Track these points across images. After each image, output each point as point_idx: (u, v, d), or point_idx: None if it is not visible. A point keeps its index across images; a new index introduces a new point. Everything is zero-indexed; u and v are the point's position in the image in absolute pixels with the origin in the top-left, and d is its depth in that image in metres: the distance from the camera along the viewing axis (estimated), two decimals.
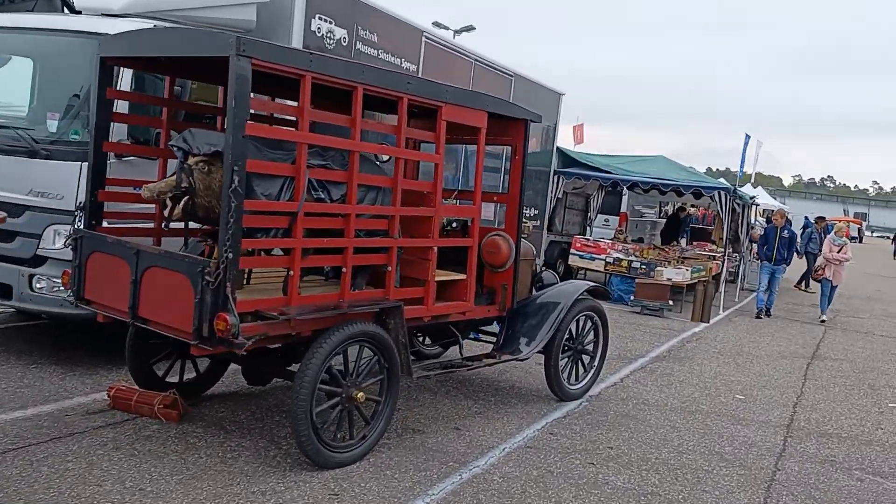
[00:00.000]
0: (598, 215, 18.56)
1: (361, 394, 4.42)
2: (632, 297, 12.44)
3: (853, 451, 6.11)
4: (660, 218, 21.41)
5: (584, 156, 14.93)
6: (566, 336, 6.35)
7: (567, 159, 14.90)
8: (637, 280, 12.54)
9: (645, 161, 15.29)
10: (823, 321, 13.31)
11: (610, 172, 14.44)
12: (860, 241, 65.90)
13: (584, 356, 6.64)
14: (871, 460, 5.94)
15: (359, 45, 7.57)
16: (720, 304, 13.70)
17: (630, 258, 13.30)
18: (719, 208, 13.58)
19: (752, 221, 19.35)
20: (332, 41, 7.19)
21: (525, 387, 6.81)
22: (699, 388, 7.63)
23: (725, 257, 14.02)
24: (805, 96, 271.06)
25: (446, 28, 35.11)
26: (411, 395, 6.11)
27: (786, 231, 13.22)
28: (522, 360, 6.03)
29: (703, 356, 9.32)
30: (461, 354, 5.72)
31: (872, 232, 74.40)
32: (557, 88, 12.64)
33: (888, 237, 57.29)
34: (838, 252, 13.32)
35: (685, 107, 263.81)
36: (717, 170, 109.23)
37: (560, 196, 14.73)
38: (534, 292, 6.57)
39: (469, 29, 35.76)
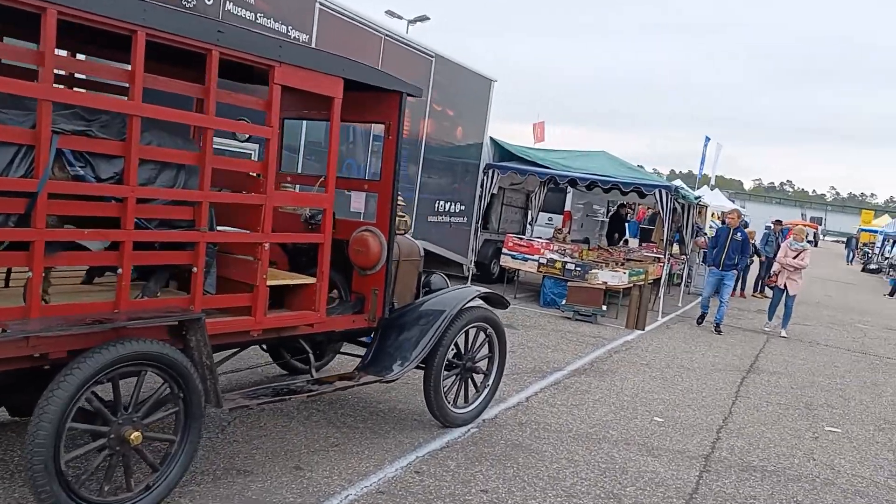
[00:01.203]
0: (541, 213, 17.75)
1: (137, 434, 3.39)
2: (563, 302, 11.56)
3: (777, 489, 5.25)
4: (607, 217, 20.62)
5: (520, 149, 14.02)
6: (451, 351, 5.40)
7: (503, 152, 14.00)
8: (569, 283, 11.66)
9: (586, 156, 14.42)
10: (784, 337, 12.12)
11: (548, 168, 13.56)
12: (815, 245, 66.42)
13: (475, 374, 5.69)
14: (797, 503, 5.08)
15: (229, 6, 6.52)
16: (659, 309, 12.90)
17: (564, 259, 12.42)
18: (660, 208, 12.77)
19: (701, 225, 18.69)
20: None
21: (409, 409, 5.84)
22: (614, 408, 6.74)
23: (666, 259, 13.17)
24: (769, 103, 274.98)
25: (399, 17, 34.21)
26: (258, 421, 5.09)
27: (739, 233, 11.91)
28: (389, 381, 5.05)
29: (628, 369, 8.45)
30: (312, 374, 4.71)
31: (825, 236, 75.08)
32: (488, 74, 11.71)
33: (843, 241, 57.64)
34: (794, 258, 12.01)
35: (650, 110, 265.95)
36: (681, 172, 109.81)
37: (495, 192, 13.83)
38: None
39: (423, 19, 34.80)
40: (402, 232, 5.19)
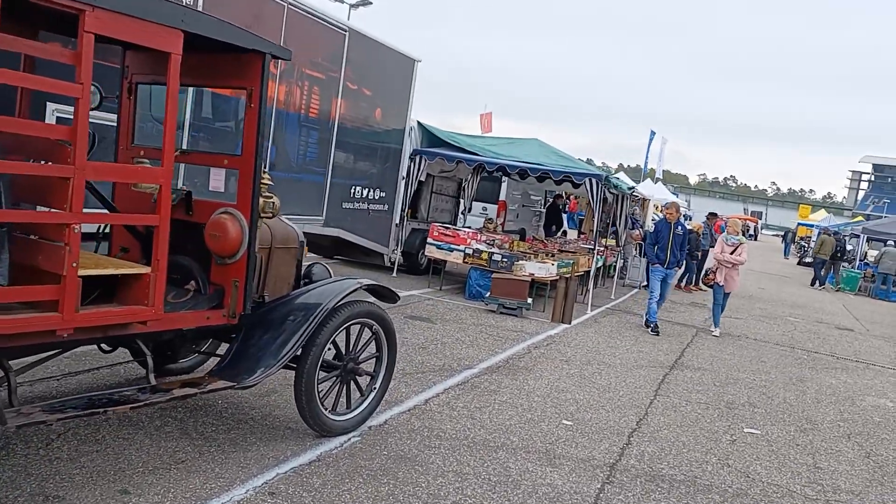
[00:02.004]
0: (476, 203, 17.24)
1: None
2: (487, 295, 11.04)
3: (684, 502, 4.79)
4: (544, 208, 20.22)
5: (449, 135, 13.47)
6: (329, 351, 4.79)
7: (432, 138, 13.41)
8: (494, 275, 11.14)
9: (517, 143, 13.94)
10: (717, 336, 11.48)
11: (476, 154, 13.02)
12: (755, 239, 67.53)
13: (358, 377, 5.08)
14: None
15: None
16: (588, 302, 12.49)
17: (491, 250, 11.90)
18: (590, 197, 12.35)
19: (638, 217, 18.42)
20: None
21: (286, 416, 5.19)
22: (522, 410, 6.22)
23: (595, 250, 12.75)
24: (715, 101, 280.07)
25: (341, 1, 33.32)
26: (95, 433, 4.41)
27: (679, 228, 11.22)
28: (244, 388, 4.41)
29: (545, 366, 7.95)
30: (149, 380, 4.04)
31: (762, 229, 76.61)
32: (411, 53, 11.07)
33: (781, 235, 58.69)
34: (732, 252, 11.33)
35: (599, 105, 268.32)
36: (629, 166, 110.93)
37: (423, 179, 13.24)
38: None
39: (366, 3, 33.95)
40: (270, 215, 4.54)
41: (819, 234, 30.49)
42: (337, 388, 4.96)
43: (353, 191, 10.05)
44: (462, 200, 15.96)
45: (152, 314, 3.83)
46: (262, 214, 4.48)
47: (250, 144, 4.34)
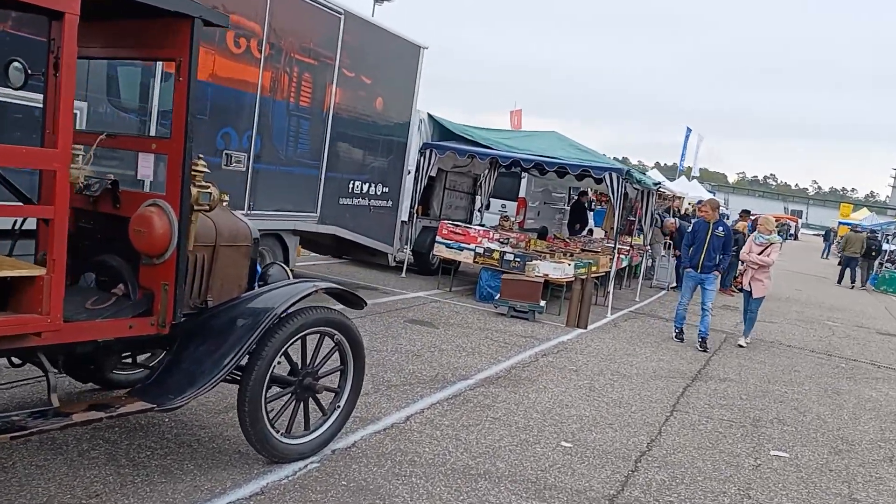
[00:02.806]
0: (493, 200, 16.56)
1: None
2: (497, 297, 10.35)
3: None
4: (568, 206, 19.41)
5: (461, 128, 12.80)
6: (279, 364, 4.16)
7: (443, 131, 12.76)
8: (504, 276, 10.44)
9: (534, 137, 13.21)
10: (741, 346, 10.29)
11: (490, 148, 12.33)
12: (795, 239, 65.66)
13: (318, 394, 4.45)
14: None
15: None
16: (608, 304, 11.72)
17: (503, 249, 11.20)
18: (610, 193, 11.58)
19: (664, 213, 17.58)
20: None
21: (238, 438, 4.55)
22: (516, 429, 5.53)
23: (615, 250, 11.97)
24: (753, 96, 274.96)
25: None
26: (6, 459, 3.83)
27: (721, 228, 9.80)
28: (168, 411, 3.79)
29: (551, 376, 7.25)
30: (51, 402, 3.44)
31: (801, 229, 74.54)
32: (416, 40, 10.42)
33: (822, 235, 56.87)
34: (760, 253, 10.05)
35: (634, 103, 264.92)
36: (665, 164, 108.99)
37: (433, 174, 12.60)
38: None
39: None
40: (207, 208, 3.92)
41: (856, 231, 29.14)
42: (293, 406, 4.34)
43: (351, 186, 9.43)
44: (479, 197, 15.28)
45: (47, 324, 3.23)
46: (197, 206, 3.86)
47: (179, 124, 3.73)
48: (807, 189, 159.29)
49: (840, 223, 50.68)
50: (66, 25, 3.12)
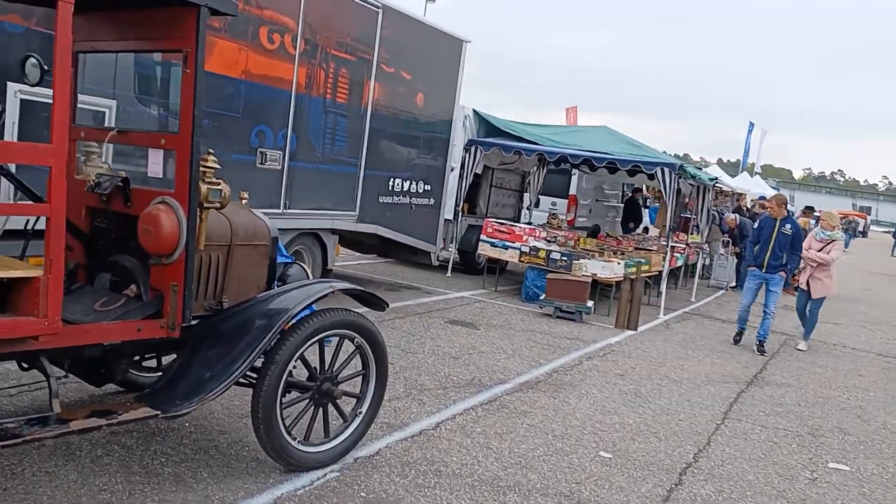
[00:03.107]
0: (543, 197, 16.19)
1: None
2: (542, 297, 10.03)
3: None
4: (621, 203, 18.89)
5: (507, 123, 12.54)
6: (294, 368, 3.98)
7: (489, 127, 12.51)
8: (549, 275, 10.12)
9: (583, 132, 12.86)
10: (802, 350, 9.69)
11: (537, 143, 12.02)
12: (864, 236, 63.15)
13: (338, 400, 4.25)
14: None
15: None
16: (661, 304, 11.28)
17: (550, 248, 10.88)
18: (663, 188, 11.14)
19: (719, 209, 16.97)
20: None
21: (257, 444, 4.41)
22: (553, 437, 5.24)
23: (668, 248, 11.51)
24: (820, 91, 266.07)
25: None
26: (17, 464, 3.73)
27: (788, 225, 9.15)
28: (174, 417, 3.63)
29: (595, 381, 6.93)
30: (52, 407, 3.31)
31: (871, 225, 71.63)
32: (458, 34, 10.18)
33: (892, 232, 54.51)
34: (820, 250, 9.46)
35: (697, 98, 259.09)
36: (728, 160, 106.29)
37: (479, 171, 12.35)
38: None
39: None
40: (218, 205, 3.75)
41: None
42: (311, 412, 4.15)
43: (391, 183, 9.25)
44: (527, 195, 14.95)
45: (45, 328, 3.10)
46: (207, 204, 3.70)
47: (187, 119, 3.57)
48: (877, 185, 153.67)
49: None
50: (59, 15, 2.98)
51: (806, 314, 9.83)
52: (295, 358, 3.91)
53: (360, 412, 4.35)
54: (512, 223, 11.49)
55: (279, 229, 7.64)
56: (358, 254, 11.88)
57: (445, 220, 11.93)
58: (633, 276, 10.07)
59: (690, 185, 12.50)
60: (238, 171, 6.97)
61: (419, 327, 8.11)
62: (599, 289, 10.79)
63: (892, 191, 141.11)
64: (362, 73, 8.34)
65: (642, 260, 11.45)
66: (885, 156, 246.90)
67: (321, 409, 4.18)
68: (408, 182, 9.57)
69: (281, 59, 7.18)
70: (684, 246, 14.61)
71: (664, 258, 11.51)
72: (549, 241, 11.44)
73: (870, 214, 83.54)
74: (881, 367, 9.39)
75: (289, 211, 7.58)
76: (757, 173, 35.56)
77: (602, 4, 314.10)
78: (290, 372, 3.91)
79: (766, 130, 39.86)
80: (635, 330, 9.66)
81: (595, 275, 10.27)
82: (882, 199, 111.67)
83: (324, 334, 4.03)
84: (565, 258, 10.47)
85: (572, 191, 16.42)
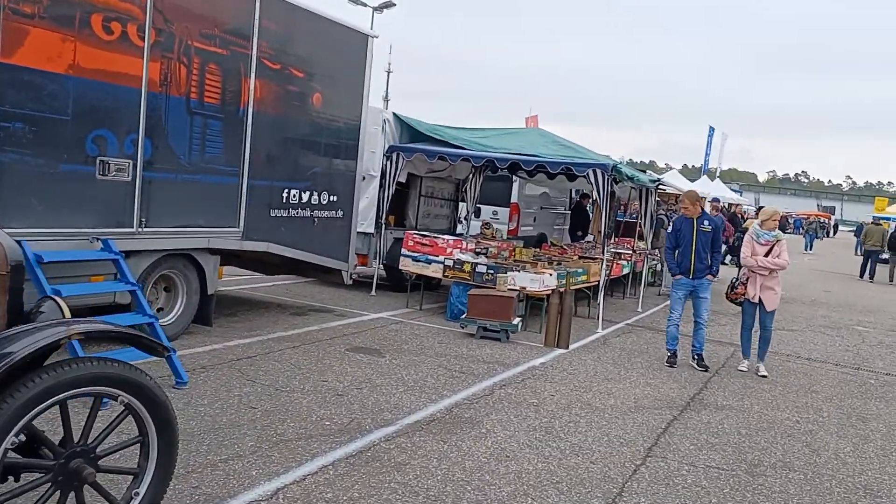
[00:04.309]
0: (484, 207, 15.27)
1: None
2: (463, 316, 9.03)
3: None
4: (568, 210, 18.02)
5: (431, 128, 11.57)
6: (19, 442, 2.92)
7: (412, 133, 11.53)
8: (470, 291, 9.12)
9: (513, 134, 11.93)
10: (763, 375, 8.22)
11: (462, 148, 11.05)
12: (828, 236, 63.12)
13: (94, 480, 3.17)
14: None
15: None
16: (599, 317, 10.33)
17: (476, 261, 9.90)
18: (596, 192, 10.23)
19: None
20: None
21: None
22: (424, 499, 4.21)
23: (603, 257, 10.58)
24: (780, 93, 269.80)
25: (364, 4, 31.81)
26: None
27: (706, 222, 8.34)
28: None
29: (502, 415, 5.92)
30: None
31: (837, 225, 71.96)
32: (362, 28, 9.20)
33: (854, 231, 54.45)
34: (766, 254, 8.18)
35: (660, 105, 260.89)
36: (693, 166, 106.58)
37: (402, 180, 11.36)
38: None
39: (388, 5, 32.37)
40: None
41: (877, 223, 27.29)
42: (59, 500, 3.08)
43: (286, 195, 8.20)
44: (464, 204, 13.99)
45: None
46: None
47: None
48: (841, 185, 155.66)
49: (873, 217, 48.45)
50: None
51: (751, 334, 8.52)
52: (17, 430, 2.85)
53: (138, 493, 3.29)
54: (435, 235, 10.49)
55: (133, 251, 6.65)
56: (256, 274, 10.75)
57: (365, 233, 10.96)
58: (561, 289, 9.10)
59: (633, 187, 11.62)
60: (71, 185, 5.91)
61: (310, 358, 7.06)
62: (530, 304, 9.83)
63: (855, 190, 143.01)
64: (238, 69, 7.30)
65: (579, 270, 10.53)
66: (848, 156, 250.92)
67: (72, 495, 3.11)
68: (307, 193, 8.53)
69: (124, 51, 6.12)
70: (631, 252, 13.76)
71: (603, 267, 10.56)
72: (477, 254, 10.48)
73: (834, 214, 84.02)
74: (838, 379, 8.50)
75: (146, 230, 6.51)
76: (716, 176, 35.07)
77: (562, 14, 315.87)
78: (7, 451, 2.84)
79: (726, 134, 39.58)
80: (566, 348, 8.69)
81: (524, 288, 9.31)
82: (846, 199, 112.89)
83: (64, 395, 2.97)
84: (492, 271, 9.50)
85: (514, 199, 15.51)
